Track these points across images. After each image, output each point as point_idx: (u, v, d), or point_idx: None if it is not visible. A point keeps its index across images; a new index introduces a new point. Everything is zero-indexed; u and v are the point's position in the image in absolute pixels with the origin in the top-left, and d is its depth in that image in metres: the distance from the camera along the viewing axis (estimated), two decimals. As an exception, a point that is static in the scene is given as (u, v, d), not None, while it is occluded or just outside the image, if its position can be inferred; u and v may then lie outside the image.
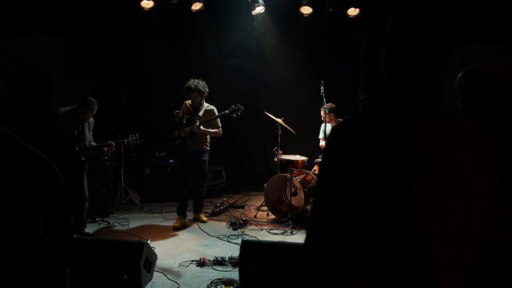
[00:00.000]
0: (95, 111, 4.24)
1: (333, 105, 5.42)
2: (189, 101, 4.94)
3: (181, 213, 4.98)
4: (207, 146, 4.94)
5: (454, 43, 0.93)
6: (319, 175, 0.93)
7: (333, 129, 0.93)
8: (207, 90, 4.87)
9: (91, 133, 4.46)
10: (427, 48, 0.92)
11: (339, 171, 0.87)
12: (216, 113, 4.92)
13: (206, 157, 4.94)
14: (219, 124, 4.94)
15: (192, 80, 4.81)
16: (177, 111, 4.88)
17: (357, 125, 0.89)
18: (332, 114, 5.41)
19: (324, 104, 5.15)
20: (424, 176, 0.84)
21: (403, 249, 0.84)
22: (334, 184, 0.87)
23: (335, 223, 0.86)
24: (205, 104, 4.94)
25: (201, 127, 4.72)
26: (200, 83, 4.80)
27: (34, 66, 1.88)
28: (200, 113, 4.87)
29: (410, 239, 0.83)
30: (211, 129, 4.87)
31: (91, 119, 4.41)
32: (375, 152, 0.85)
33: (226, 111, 4.80)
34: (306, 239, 0.92)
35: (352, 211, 0.85)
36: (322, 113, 5.42)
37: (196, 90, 4.76)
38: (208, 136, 4.93)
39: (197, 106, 4.90)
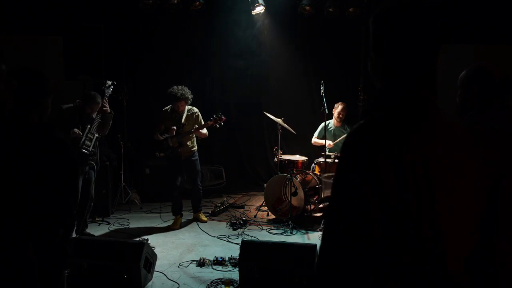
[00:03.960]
0: (100, 103, 4.22)
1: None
2: (169, 107, 4.84)
3: (177, 213, 4.98)
4: (194, 147, 4.93)
5: (443, 41, 0.93)
6: (338, 189, 0.89)
7: (347, 142, 0.91)
8: (192, 96, 4.78)
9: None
10: (430, 48, 0.92)
11: (362, 181, 0.84)
12: (200, 116, 4.87)
13: (196, 156, 4.94)
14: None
15: (176, 88, 4.64)
16: (156, 135, 4.80)
17: (371, 134, 0.87)
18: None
19: (324, 104, 5.15)
20: (437, 178, 0.85)
21: (423, 252, 0.83)
22: (360, 193, 0.84)
23: (368, 229, 0.85)
24: (187, 108, 4.83)
25: (199, 130, 4.69)
26: (186, 90, 4.69)
27: (29, 66, 1.86)
28: (183, 120, 4.78)
29: (430, 240, 0.83)
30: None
31: (95, 115, 4.32)
32: (392, 157, 0.84)
33: (209, 122, 4.70)
34: (338, 246, 0.86)
35: (379, 216, 0.83)
36: (335, 112, 5.49)
37: (184, 98, 4.65)
38: (193, 140, 4.90)
39: (181, 113, 4.80)
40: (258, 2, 6.00)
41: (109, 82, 4.46)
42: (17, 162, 1.70)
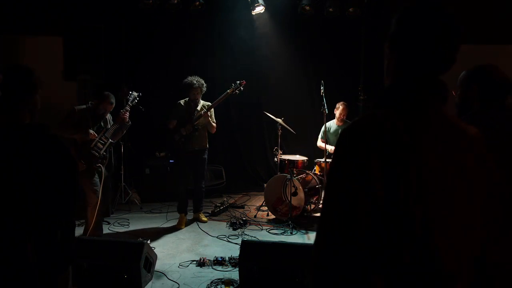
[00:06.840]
0: (114, 105, 4.14)
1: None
2: (183, 100, 4.90)
3: (183, 211, 4.98)
4: (207, 144, 4.95)
5: (457, 43, 0.93)
6: (330, 179, 0.91)
7: (342, 132, 0.92)
8: (206, 85, 4.87)
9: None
10: (430, 48, 0.92)
11: (351, 175, 0.85)
12: (212, 109, 4.85)
13: (206, 155, 4.96)
14: (214, 120, 4.90)
15: (192, 77, 4.76)
16: (171, 122, 4.80)
17: (367, 129, 0.88)
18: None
19: (324, 104, 5.15)
20: (433, 177, 0.85)
21: (415, 250, 0.83)
22: (349, 188, 0.85)
23: (357, 226, 0.85)
24: (201, 102, 4.91)
25: (208, 113, 4.68)
26: (201, 80, 4.79)
27: (15, 64, 1.83)
28: (198, 107, 4.85)
29: (421, 239, 0.83)
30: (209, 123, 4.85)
31: (109, 116, 4.27)
32: (385, 155, 0.84)
33: (228, 90, 4.75)
34: (327, 245, 0.87)
35: (367, 213, 0.84)
36: (337, 112, 5.54)
37: (199, 87, 4.74)
38: (207, 134, 4.93)
39: (196, 103, 4.86)
40: (258, 2, 6.00)
41: (135, 94, 4.45)
42: (17, 162, 1.70)
